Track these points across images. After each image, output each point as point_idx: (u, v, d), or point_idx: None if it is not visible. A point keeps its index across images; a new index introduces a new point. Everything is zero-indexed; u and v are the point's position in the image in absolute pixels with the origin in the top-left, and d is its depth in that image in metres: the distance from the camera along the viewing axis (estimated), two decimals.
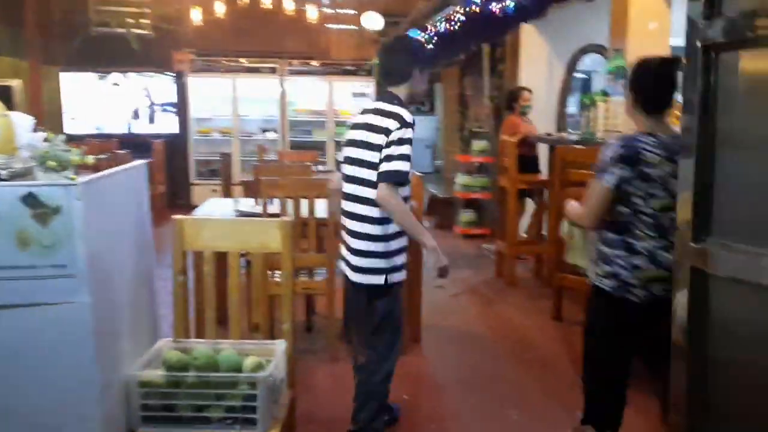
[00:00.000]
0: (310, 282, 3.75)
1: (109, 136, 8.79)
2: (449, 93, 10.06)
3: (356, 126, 2.59)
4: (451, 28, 6.81)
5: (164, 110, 9.46)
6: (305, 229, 3.65)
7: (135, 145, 8.62)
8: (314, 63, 9.73)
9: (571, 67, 7.16)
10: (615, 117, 4.86)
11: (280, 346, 2.10)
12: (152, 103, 9.40)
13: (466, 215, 7.52)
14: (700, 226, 1.77)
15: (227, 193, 6.13)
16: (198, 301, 2.68)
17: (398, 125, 2.45)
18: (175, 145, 9.36)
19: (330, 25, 9.86)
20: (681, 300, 1.84)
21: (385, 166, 2.44)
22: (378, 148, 2.46)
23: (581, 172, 4.33)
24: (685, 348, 1.84)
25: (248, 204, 4.20)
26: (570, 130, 6.41)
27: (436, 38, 7.19)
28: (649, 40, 4.70)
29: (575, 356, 3.73)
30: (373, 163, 2.48)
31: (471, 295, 5.26)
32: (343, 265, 2.69)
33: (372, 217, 2.52)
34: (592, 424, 2.54)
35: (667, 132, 2.37)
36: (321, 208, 3.68)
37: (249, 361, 1.93)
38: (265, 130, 9.77)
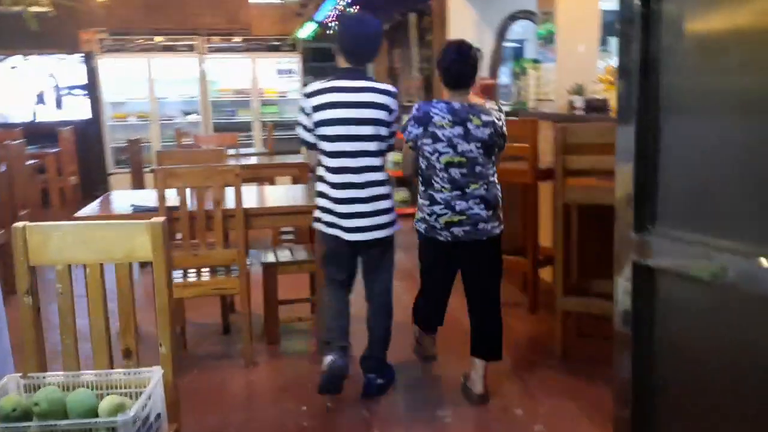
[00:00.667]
0: (220, 280, 3.36)
1: (11, 126, 8.07)
2: (378, 67, 9.68)
3: (348, 104, 2.83)
4: None
5: (71, 94, 8.75)
6: (210, 222, 3.25)
7: (40, 134, 7.96)
8: (236, 39, 9.17)
9: (501, 35, 6.88)
10: (546, 84, 4.61)
11: (155, 374, 1.73)
12: (58, 87, 8.67)
13: (398, 193, 7.21)
14: (642, 211, 1.48)
15: (139, 184, 5.64)
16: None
17: (395, 102, 2.91)
18: (88, 132, 8.69)
19: (253, 1, 9.30)
20: (623, 295, 1.57)
21: (391, 139, 2.97)
22: (383, 123, 2.89)
23: (514, 145, 4.06)
24: (629, 340, 1.58)
25: (151, 197, 3.75)
26: (502, 101, 6.15)
27: (356, 7, 6.78)
28: (578, 3, 4.45)
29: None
30: (377, 135, 2.89)
31: (404, 281, 4.96)
32: (349, 235, 2.91)
33: (381, 180, 2.94)
34: (419, 325, 3.45)
35: (464, 102, 2.91)
36: (229, 197, 3.28)
37: (106, 403, 1.56)
38: (186, 113, 9.19)
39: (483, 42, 6.80)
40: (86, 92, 8.74)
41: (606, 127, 3.20)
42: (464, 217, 2.91)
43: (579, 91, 4.28)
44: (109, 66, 8.71)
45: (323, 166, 2.92)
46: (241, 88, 9.22)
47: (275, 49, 9.21)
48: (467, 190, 2.90)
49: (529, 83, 4.74)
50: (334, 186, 2.90)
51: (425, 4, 6.69)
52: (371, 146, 2.88)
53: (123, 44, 8.78)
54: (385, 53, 8.93)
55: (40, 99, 8.65)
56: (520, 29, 7.52)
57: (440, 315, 3.30)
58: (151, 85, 8.83)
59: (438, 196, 2.92)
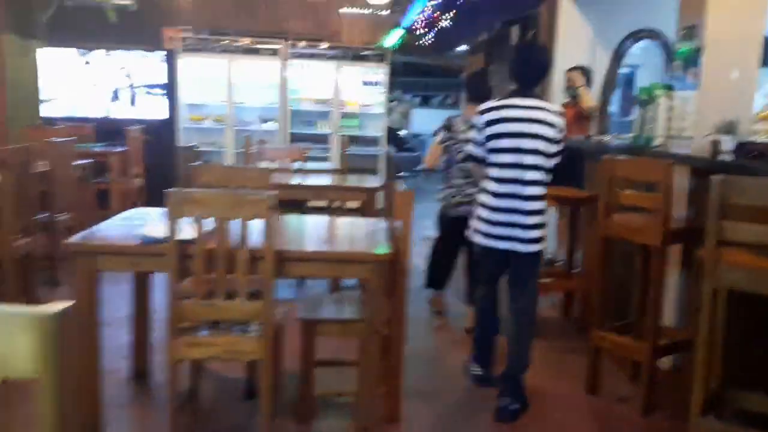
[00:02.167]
0: (235, 340, 2.59)
1: (85, 120, 7.77)
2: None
3: (519, 119, 3.03)
4: None
5: (150, 93, 8.39)
6: (232, 263, 2.51)
7: (112, 131, 7.59)
8: (321, 46, 8.57)
9: (619, 55, 5.89)
10: (682, 118, 3.62)
11: None
12: (132, 85, 8.33)
13: None
14: None
15: None
16: None
17: (563, 121, 3.12)
18: (162, 133, 8.28)
19: (343, 10, 8.67)
20: None
21: (557, 157, 3.12)
22: (551, 140, 3.05)
23: (631, 193, 3.13)
24: None
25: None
26: (615, 134, 5.16)
27: (451, 12, 5.96)
28: (735, 15, 3.45)
29: None
30: (545, 152, 3.04)
31: None
32: (503, 244, 3.08)
33: (541, 196, 3.07)
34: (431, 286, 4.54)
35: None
36: (257, 231, 2.53)
37: None
38: (264, 120, 8.66)
39: (596, 62, 5.84)
40: (165, 91, 8.35)
41: None
42: (468, 199, 3.95)
43: (730, 129, 3.28)
44: (190, 66, 8.29)
45: (490, 177, 3.10)
46: (323, 98, 8.60)
47: (362, 58, 8.53)
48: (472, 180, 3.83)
49: (659, 115, 3.77)
50: (497, 195, 3.06)
51: (534, 11, 5.78)
52: (539, 161, 3.04)
53: (206, 44, 8.36)
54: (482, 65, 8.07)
55: (115, 96, 8.33)
56: (637, 52, 6.50)
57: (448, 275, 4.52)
58: (230, 88, 8.35)
59: (453, 182, 4.26)
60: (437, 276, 4.53)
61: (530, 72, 3.15)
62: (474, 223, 3.18)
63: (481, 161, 3.15)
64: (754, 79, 3.48)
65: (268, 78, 8.42)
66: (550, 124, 3.04)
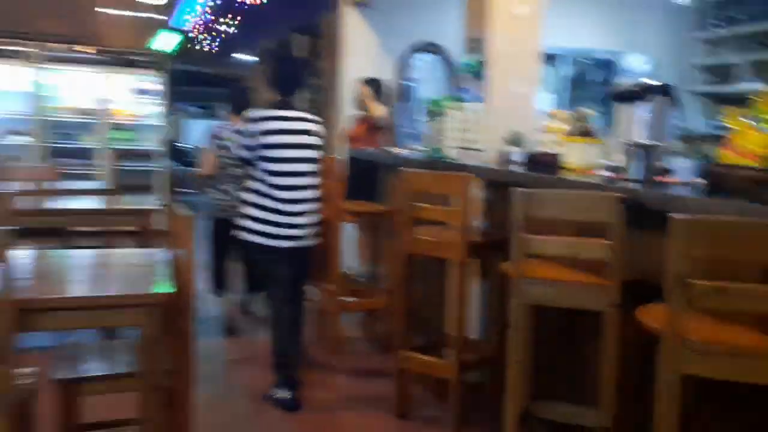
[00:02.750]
0: None
1: None
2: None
3: (292, 131, 3.34)
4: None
5: None
6: None
7: None
8: (84, 50, 7.60)
9: (403, 67, 5.96)
10: (473, 130, 3.64)
11: None
12: None
13: None
14: None
15: None
16: None
17: (324, 129, 3.53)
18: None
19: (102, 9, 7.77)
20: None
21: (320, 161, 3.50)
22: (319, 148, 3.46)
23: (431, 208, 3.04)
24: None
25: None
26: (405, 146, 5.16)
27: (235, 18, 5.58)
28: (515, 30, 3.55)
29: None
30: (316, 158, 3.43)
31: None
32: (285, 242, 3.31)
33: (317, 197, 3.45)
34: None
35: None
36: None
37: None
38: (14, 133, 7.44)
39: (384, 75, 5.83)
40: None
41: (591, 197, 2.22)
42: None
43: (517, 140, 3.34)
44: None
45: (271, 184, 3.28)
46: (87, 108, 7.63)
47: (133, 64, 7.73)
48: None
49: (450, 127, 3.76)
50: (280, 200, 3.28)
51: (319, 20, 5.61)
52: (312, 167, 3.38)
53: None
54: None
55: None
56: (420, 64, 6.66)
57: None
58: None
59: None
60: (219, 278, 4.67)
61: (287, 83, 3.42)
62: (252, 226, 3.31)
63: (249, 163, 3.34)
64: (535, 93, 3.60)
65: (17, 84, 7.26)
66: (316, 134, 3.41)
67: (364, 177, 4.82)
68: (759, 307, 1.63)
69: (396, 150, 4.67)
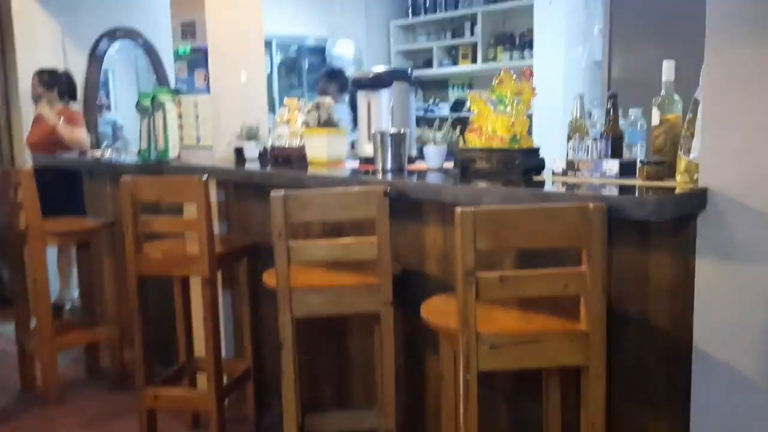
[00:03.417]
0: None
1: None
2: None
3: None
4: None
5: None
6: None
7: None
8: None
9: (97, 56, 5.20)
10: (198, 125, 3.24)
11: None
12: None
13: None
14: None
15: None
16: None
17: None
18: None
19: None
20: None
21: None
22: None
23: (165, 219, 2.64)
24: None
25: None
26: (113, 146, 4.49)
27: None
28: (237, 9, 3.22)
29: None
30: None
31: None
32: None
33: None
34: None
35: None
36: None
37: None
38: None
39: (72, 64, 5.01)
40: None
41: (355, 194, 2.05)
42: None
43: (252, 135, 3.05)
44: None
45: None
46: None
47: None
48: None
49: (167, 123, 3.30)
50: None
51: None
52: None
53: None
54: None
55: None
56: (113, 53, 5.93)
57: None
58: None
59: None
60: None
61: None
62: None
63: None
64: (264, 82, 3.34)
65: None
66: None
67: (64, 188, 4.08)
68: (540, 291, 1.62)
69: (100, 153, 4.02)
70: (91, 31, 5.13)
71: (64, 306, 4.60)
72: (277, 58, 6.46)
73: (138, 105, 3.48)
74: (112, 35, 5.23)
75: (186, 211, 2.97)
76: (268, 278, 2.21)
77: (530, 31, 5.83)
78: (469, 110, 6.63)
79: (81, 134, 4.38)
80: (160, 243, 2.77)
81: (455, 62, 6.65)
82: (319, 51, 6.55)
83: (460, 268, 1.56)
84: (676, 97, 1.88)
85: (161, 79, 5.47)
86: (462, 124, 2.35)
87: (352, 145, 3.07)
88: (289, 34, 6.32)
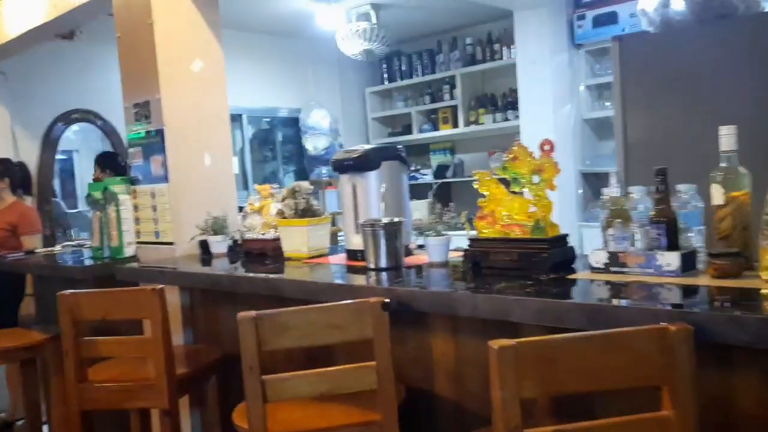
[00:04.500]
0: None
1: None
2: None
3: None
4: None
5: None
6: None
7: None
8: None
9: (52, 140, 4.79)
10: (157, 218, 2.81)
11: None
12: None
13: None
14: None
15: None
16: None
17: None
18: None
19: None
20: None
21: None
22: None
23: (114, 341, 2.19)
24: None
25: None
26: (66, 243, 4.03)
27: None
28: (197, 86, 2.85)
29: None
30: None
31: None
32: None
33: None
34: None
35: None
36: None
37: None
38: None
39: (25, 151, 4.60)
40: None
41: (346, 308, 1.61)
42: None
43: (219, 227, 2.62)
44: None
45: None
46: None
47: None
48: None
49: (122, 217, 2.87)
50: None
51: None
52: None
53: None
54: None
55: None
56: (72, 136, 5.57)
57: None
58: None
59: None
60: None
61: None
62: None
63: None
64: (231, 165, 2.94)
65: None
66: None
67: (12, 295, 3.62)
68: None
69: (49, 251, 3.57)
70: (44, 114, 4.75)
71: (16, 422, 4.04)
72: (249, 131, 6.10)
73: (88, 197, 3.06)
74: (68, 118, 4.84)
75: (144, 327, 2.51)
76: (239, 417, 1.75)
77: (512, 91, 5.58)
78: (453, 176, 6.39)
79: (38, 239, 3.95)
80: (110, 366, 2.30)
81: (435, 126, 6.35)
82: (293, 122, 6.21)
83: (502, 426, 1.12)
84: (742, 169, 1.50)
85: (125, 163, 5.06)
86: (445, 189, 1.94)
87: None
88: (260, 107, 5.99)
